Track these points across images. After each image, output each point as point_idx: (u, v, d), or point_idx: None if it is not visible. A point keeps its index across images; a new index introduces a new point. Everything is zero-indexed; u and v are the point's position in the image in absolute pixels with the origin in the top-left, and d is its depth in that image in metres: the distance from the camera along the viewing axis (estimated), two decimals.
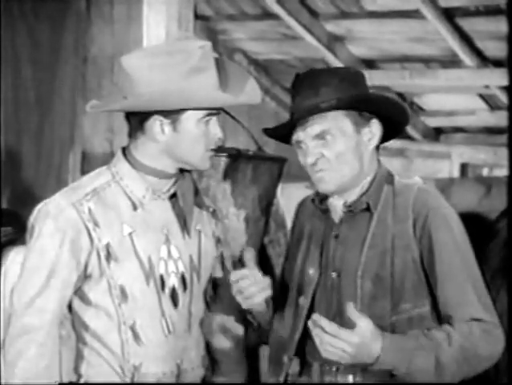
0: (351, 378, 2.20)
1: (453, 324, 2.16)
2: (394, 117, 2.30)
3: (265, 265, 3.15)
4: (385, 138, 2.34)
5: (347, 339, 2.04)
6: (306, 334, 2.24)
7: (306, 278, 2.31)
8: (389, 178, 2.30)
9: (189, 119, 2.27)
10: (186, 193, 2.38)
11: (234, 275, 2.22)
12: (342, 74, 2.28)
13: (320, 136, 2.23)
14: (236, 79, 2.33)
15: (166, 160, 2.32)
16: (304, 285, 2.31)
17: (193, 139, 2.28)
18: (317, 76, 2.26)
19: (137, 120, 2.30)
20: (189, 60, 2.23)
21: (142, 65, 2.24)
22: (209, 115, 2.28)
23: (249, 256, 2.26)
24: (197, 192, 2.45)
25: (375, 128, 2.26)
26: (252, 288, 2.21)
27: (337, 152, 2.22)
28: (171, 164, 2.33)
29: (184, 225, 2.37)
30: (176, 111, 2.26)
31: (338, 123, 2.22)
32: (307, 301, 2.29)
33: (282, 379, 2.30)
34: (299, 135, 2.25)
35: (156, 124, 2.27)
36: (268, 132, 2.36)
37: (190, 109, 2.26)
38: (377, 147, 2.31)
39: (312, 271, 2.31)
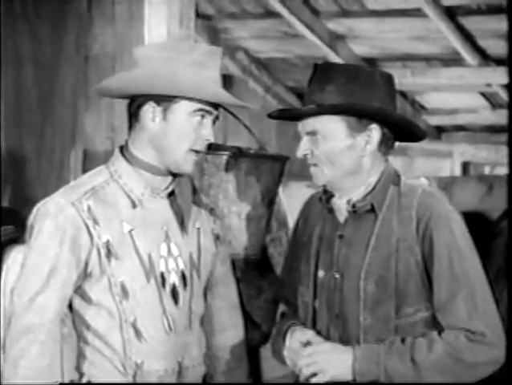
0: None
1: (443, 331, 2.17)
2: (400, 125, 2.29)
3: (266, 264, 3.15)
4: (404, 139, 2.35)
5: (316, 349, 2.20)
6: (327, 337, 2.29)
7: (318, 281, 2.32)
8: (395, 179, 2.29)
9: (181, 110, 2.27)
10: (184, 191, 2.38)
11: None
12: (353, 73, 2.25)
13: (312, 133, 2.25)
14: (237, 87, 2.35)
15: (153, 153, 2.32)
16: (317, 289, 2.32)
17: (180, 132, 2.28)
18: (328, 72, 2.25)
19: (135, 107, 2.32)
20: (192, 53, 2.26)
21: (150, 56, 2.29)
22: (201, 110, 2.28)
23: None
24: (194, 190, 2.45)
25: (374, 134, 2.24)
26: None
27: (325, 152, 2.24)
28: (157, 159, 2.32)
29: (182, 223, 2.37)
30: (169, 99, 2.26)
31: (330, 125, 2.22)
32: (322, 304, 2.30)
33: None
34: (299, 126, 2.29)
35: (148, 110, 2.29)
36: (272, 116, 2.38)
37: (184, 98, 2.26)
38: (388, 148, 2.30)
39: (322, 274, 2.31)
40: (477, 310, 2.16)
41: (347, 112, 2.21)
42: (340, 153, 2.23)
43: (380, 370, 2.15)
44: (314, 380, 2.20)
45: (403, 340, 2.18)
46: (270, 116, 2.39)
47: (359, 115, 2.22)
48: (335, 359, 2.19)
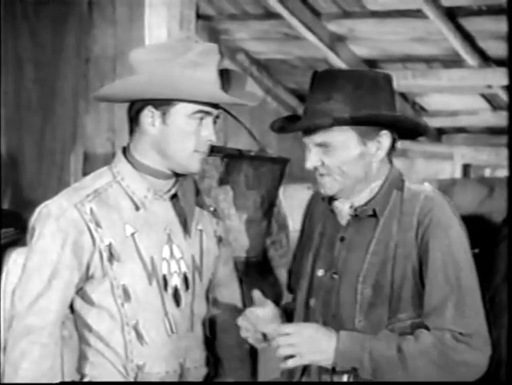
0: (345, 378, 2.19)
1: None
2: (411, 128, 2.27)
3: (266, 266, 3.15)
4: (406, 137, 2.32)
5: (297, 330, 2.14)
6: None
7: (316, 280, 2.30)
8: (399, 183, 2.27)
9: (179, 113, 2.26)
10: (187, 193, 2.38)
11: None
12: (358, 80, 2.20)
13: (323, 145, 2.21)
14: (237, 84, 2.33)
15: (156, 157, 2.31)
16: (314, 287, 2.31)
17: (180, 135, 2.27)
18: (332, 80, 2.20)
19: (134, 112, 2.31)
20: (188, 54, 2.24)
21: (146, 59, 2.27)
22: (200, 112, 2.27)
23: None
24: (197, 192, 2.45)
25: (384, 140, 2.22)
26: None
27: (337, 163, 2.20)
28: (160, 162, 2.31)
29: (185, 225, 2.37)
30: (167, 103, 2.25)
31: (342, 136, 2.19)
32: (318, 303, 2.29)
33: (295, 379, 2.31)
34: (305, 138, 2.24)
35: (148, 115, 2.28)
36: (275, 129, 2.34)
37: (182, 101, 2.25)
38: (393, 150, 2.27)
39: (321, 273, 2.31)
40: (464, 317, 2.14)
41: (363, 122, 2.19)
42: (352, 162, 2.20)
43: (364, 353, 2.12)
44: (289, 363, 2.14)
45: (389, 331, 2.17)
46: (278, 131, 2.33)
47: (377, 123, 2.20)
48: (316, 343, 2.14)
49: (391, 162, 2.29)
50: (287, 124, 2.31)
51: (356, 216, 2.26)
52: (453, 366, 2.12)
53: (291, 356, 2.14)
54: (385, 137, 2.22)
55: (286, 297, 2.60)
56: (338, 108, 2.18)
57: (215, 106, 2.30)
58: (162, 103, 2.26)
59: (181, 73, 2.23)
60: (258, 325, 2.24)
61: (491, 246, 2.97)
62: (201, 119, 2.27)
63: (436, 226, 2.17)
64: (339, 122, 2.17)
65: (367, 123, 2.19)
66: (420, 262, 2.18)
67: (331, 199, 2.31)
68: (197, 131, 2.28)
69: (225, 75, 2.32)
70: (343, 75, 2.23)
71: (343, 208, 2.28)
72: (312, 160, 2.23)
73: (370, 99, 2.19)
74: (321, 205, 2.37)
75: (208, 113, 2.28)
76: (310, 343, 2.14)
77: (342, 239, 2.28)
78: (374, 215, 2.24)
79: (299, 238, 2.49)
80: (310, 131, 2.21)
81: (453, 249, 2.17)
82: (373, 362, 2.12)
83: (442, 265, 2.16)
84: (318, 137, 2.20)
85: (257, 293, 2.25)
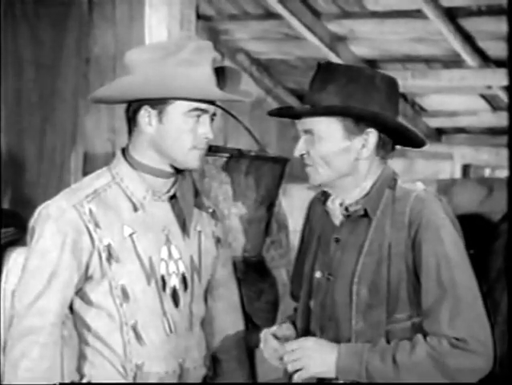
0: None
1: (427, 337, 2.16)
2: (397, 131, 2.27)
3: (266, 266, 3.15)
4: (405, 144, 2.32)
5: (300, 345, 2.19)
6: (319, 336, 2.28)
7: (315, 282, 2.31)
8: (392, 182, 2.26)
9: (175, 111, 2.26)
10: (186, 194, 2.38)
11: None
12: (353, 75, 2.22)
13: (308, 132, 2.24)
14: (232, 81, 2.34)
15: (155, 155, 2.32)
16: (313, 289, 2.31)
17: (177, 133, 2.27)
18: (329, 72, 2.24)
19: (131, 112, 2.32)
20: (181, 52, 2.25)
21: (140, 59, 2.27)
22: (197, 109, 2.27)
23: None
24: (196, 193, 2.45)
25: (370, 138, 2.22)
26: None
27: (320, 153, 2.22)
28: (160, 160, 2.32)
29: (184, 226, 2.37)
30: (163, 102, 2.26)
31: (325, 126, 2.21)
32: (317, 305, 2.29)
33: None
34: (298, 125, 2.28)
35: (144, 115, 2.28)
36: (272, 114, 2.38)
37: (177, 99, 2.25)
38: (387, 152, 2.28)
39: (318, 275, 2.31)
40: (459, 319, 2.12)
41: (342, 114, 2.20)
42: (335, 155, 2.22)
43: (362, 368, 2.14)
44: (296, 376, 2.19)
45: (389, 342, 2.17)
46: (270, 114, 2.38)
47: (356, 118, 2.20)
48: (318, 356, 2.18)
49: (385, 163, 2.29)
50: (281, 110, 2.38)
51: (349, 216, 2.26)
52: (450, 373, 2.12)
53: (297, 370, 2.19)
54: (371, 135, 2.22)
55: (286, 299, 2.60)
56: (327, 99, 2.20)
57: (211, 103, 2.30)
58: (158, 103, 2.26)
59: (175, 71, 2.23)
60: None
61: (488, 244, 2.98)
62: (198, 116, 2.28)
63: (427, 228, 2.16)
64: (318, 110, 2.20)
65: (349, 117, 2.20)
66: (414, 263, 2.18)
67: (326, 200, 2.32)
68: (194, 129, 2.28)
69: (220, 73, 2.32)
70: (340, 69, 2.25)
71: (335, 208, 2.29)
72: (299, 147, 2.26)
73: (360, 96, 2.20)
74: (319, 208, 2.37)
75: (204, 110, 2.28)
76: (313, 356, 2.18)
77: (337, 240, 2.28)
78: (366, 215, 2.24)
79: (299, 244, 2.50)
80: (298, 116, 2.27)
81: (446, 250, 2.16)
82: (369, 376, 2.14)
83: (435, 268, 2.15)
84: (305, 124, 2.24)
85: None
